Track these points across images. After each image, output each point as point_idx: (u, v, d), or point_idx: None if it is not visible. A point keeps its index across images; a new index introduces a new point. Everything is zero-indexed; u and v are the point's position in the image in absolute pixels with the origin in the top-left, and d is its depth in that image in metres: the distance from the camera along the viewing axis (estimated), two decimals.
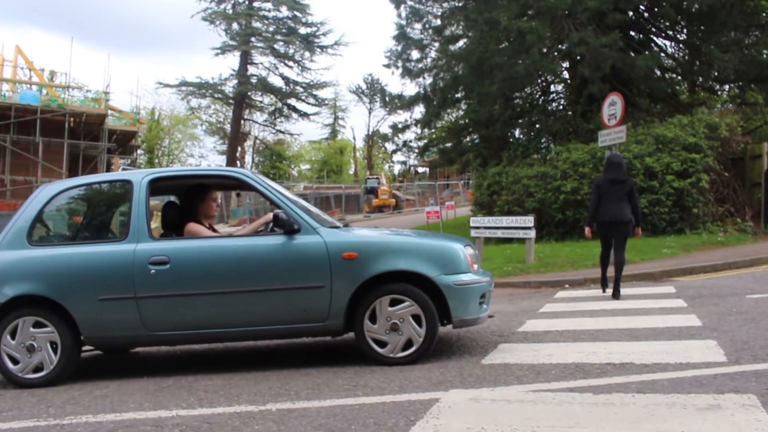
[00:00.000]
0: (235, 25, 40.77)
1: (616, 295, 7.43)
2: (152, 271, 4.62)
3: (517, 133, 19.97)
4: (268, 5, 41.83)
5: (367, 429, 3.12)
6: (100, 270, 4.71)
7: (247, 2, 41.12)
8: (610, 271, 7.79)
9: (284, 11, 41.83)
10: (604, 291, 7.97)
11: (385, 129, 55.71)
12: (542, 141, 19.29)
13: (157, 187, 5.15)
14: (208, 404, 3.83)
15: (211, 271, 4.67)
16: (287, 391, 4.02)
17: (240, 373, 4.69)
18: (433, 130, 23.54)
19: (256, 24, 41.17)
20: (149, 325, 4.67)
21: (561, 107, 19.94)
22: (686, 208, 13.45)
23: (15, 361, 4.65)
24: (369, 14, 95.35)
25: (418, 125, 22.77)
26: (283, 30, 41.99)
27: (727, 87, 19.40)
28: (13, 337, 4.65)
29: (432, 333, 4.53)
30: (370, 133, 62.07)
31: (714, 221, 13.76)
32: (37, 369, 4.66)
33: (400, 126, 23.67)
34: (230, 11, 40.85)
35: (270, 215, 5.01)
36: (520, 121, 19.39)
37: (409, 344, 4.54)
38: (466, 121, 21.41)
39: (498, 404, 3.41)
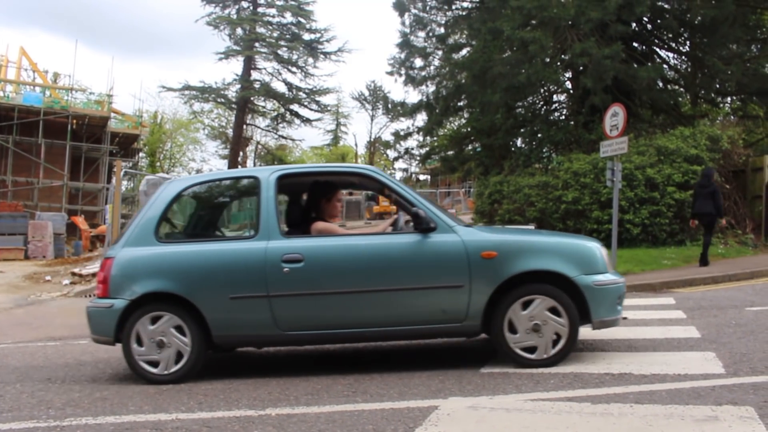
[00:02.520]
0: (239, 31, 40.83)
1: (701, 261, 10.94)
2: (285, 269, 4.55)
3: (519, 142, 19.98)
4: (273, 11, 41.89)
5: None
6: (231, 268, 4.66)
7: (251, 8, 41.20)
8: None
9: (288, 17, 41.88)
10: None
11: (387, 136, 55.82)
12: (544, 150, 19.30)
13: (283, 184, 5.04)
14: (208, 408, 3.84)
15: (346, 269, 4.60)
16: (287, 397, 4.03)
17: (240, 378, 4.70)
18: (435, 138, 23.55)
19: (260, 29, 41.21)
20: (282, 325, 4.60)
21: (563, 117, 19.97)
22: (687, 219, 13.47)
23: (148, 357, 4.64)
24: (373, 22, 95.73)
25: (421, 133, 22.79)
26: (287, 36, 42.04)
27: (729, 100, 19.45)
28: (141, 335, 4.62)
29: (575, 331, 4.45)
30: (372, 140, 62.17)
31: (714, 233, 13.78)
32: (175, 363, 4.63)
33: (402, 133, 23.73)
34: (234, 16, 40.91)
35: (394, 217, 4.98)
36: (522, 130, 19.41)
37: (554, 342, 4.45)
38: (469, 129, 21.42)
39: (496, 412, 3.42)
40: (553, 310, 4.44)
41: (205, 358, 4.78)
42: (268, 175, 4.91)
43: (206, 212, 5.62)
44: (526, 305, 4.46)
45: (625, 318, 4.88)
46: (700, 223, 11.33)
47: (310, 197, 5.28)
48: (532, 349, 4.46)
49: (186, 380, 4.62)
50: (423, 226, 4.57)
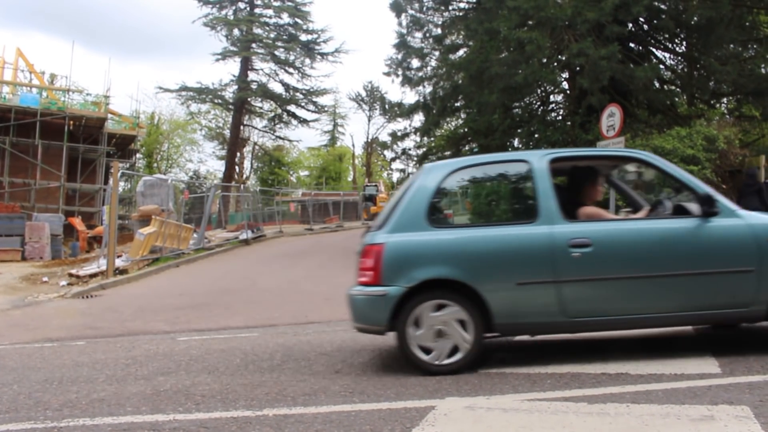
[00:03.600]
0: (236, 31, 40.85)
1: None
2: (575, 254, 4.45)
3: (516, 142, 20.00)
4: (270, 12, 41.96)
5: None
6: (517, 253, 4.55)
7: (248, 8, 41.23)
8: None
9: (285, 18, 41.94)
10: None
11: (384, 136, 55.82)
12: None
13: (553, 167, 4.87)
14: (206, 409, 3.84)
15: (634, 254, 4.50)
16: (284, 397, 4.04)
17: (237, 379, 4.70)
18: (432, 139, 23.56)
19: (257, 30, 41.24)
20: (568, 311, 4.48)
21: (560, 117, 20.01)
22: None
23: (427, 352, 4.49)
24: (370, 22, 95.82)
25: (418, 133, 22.80)
26: (284, 36, 42.08)
27: (725, 100, 19.50)
28: (419, 322, 4.49)
29: None
30: (369, 140, 62.20)
31: None
32: (448, 355, 4.48)
33: (399, 134, 23.69)
34: (231, 17, 40.94)
35: (656, 201, 4.94)
36: (519, 130, 19.43)
37: None
38: (465, 130, 21.45)
39: (493, 412, 3.43)
40: None
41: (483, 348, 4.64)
42: (539, 158, 4.82)
43: (475, 196, 5.41)
44: None
45: None
46: None
47: (573, 181, 5.18)
48: None
49: (464, 370, 4.44)
50: (710, 209, 4.50)
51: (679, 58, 18.98)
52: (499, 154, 5.94)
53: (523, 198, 5.01)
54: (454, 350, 4.48)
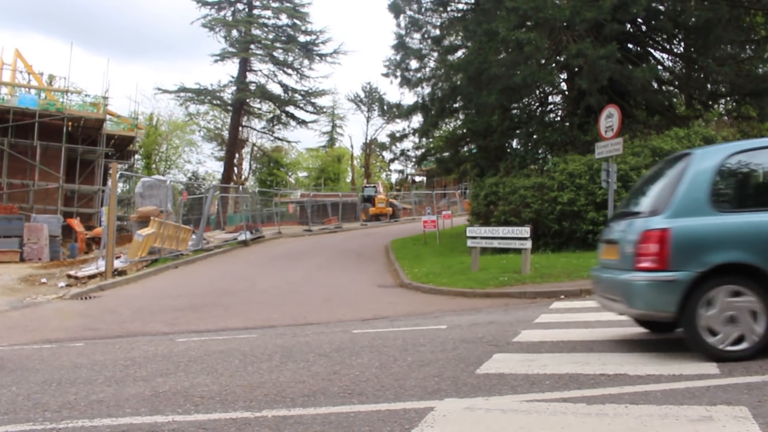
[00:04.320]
0: (234, 32, 40.85)
1: None
2: None
3: (514, 143, 20.04)
4: (268, 13, 41.97)
5: None
6: None
7: (246, 9, 41.23)
8: None
9: (284, 19, 41.97)
10: None
11: (382, 138, 55.82)
12: (539, 152, 19.36)
13: None
14: (204, 410, 3.84)
15: None
16: (283, 398, 4.04)
17: (236, 380, 4.70)
18: (430, 140, 23.58)
19: (256, 31, 41.25)
20: None
21: (558, 118, 20.03)
22: None
23: (714, 334, 4.46)
24: (368, 23, 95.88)
25: (416, 134, 22.82)
26: (283, 38, 42.10)
27: (723, 101, 19.55)
28: (709, 307, 4.47)
29: None
30: (367, 141, 62.19)
31: None
32: (737, 341, 4.43)
33: (397, 135, 23.71)
34: (230, 18, 40.95)
35: None
36: (517, 131, 19.46)
37: None
38: (464, 131, 21.47)
39: (492, 414, 3.43)
40: None
41: None
42: None
43: (753, 179, 5.38)
44: None
45: None
46: None
47: None
48: None
49: (758, 356, 4.38)
50: None
51: (677, 58, 19.03)
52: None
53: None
54: (742, 337, 4.44)
